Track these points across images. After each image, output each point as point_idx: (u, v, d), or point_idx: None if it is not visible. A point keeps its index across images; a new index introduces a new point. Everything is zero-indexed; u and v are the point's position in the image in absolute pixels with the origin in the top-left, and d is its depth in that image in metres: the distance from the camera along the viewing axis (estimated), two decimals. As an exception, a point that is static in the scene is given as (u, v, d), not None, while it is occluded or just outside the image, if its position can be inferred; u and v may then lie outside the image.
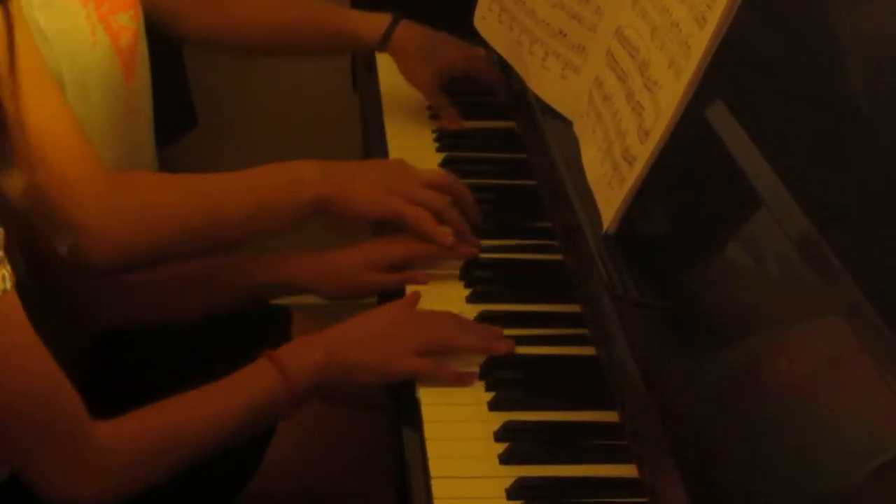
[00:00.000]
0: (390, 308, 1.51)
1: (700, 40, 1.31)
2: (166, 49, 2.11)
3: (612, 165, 1.45)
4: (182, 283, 1.63)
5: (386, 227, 1.64)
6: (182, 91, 2.56)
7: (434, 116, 1.96)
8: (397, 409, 1.42)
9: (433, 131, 1.92)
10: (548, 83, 1.71)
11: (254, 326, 1.68)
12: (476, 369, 1.43)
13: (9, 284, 1.24)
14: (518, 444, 1.32)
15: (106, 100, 1.67)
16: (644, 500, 1.24)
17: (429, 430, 1.34)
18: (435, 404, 1.39)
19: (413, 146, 1.88)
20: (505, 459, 1.30)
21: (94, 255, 1.51)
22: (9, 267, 1.24)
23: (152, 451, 1.36)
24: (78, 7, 1.64)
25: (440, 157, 1.85)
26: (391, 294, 1.58)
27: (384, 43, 1.91)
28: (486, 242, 1.65)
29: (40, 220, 1.38)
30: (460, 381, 1.41)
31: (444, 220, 1.61)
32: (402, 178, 1.64)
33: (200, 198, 1.59)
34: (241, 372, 1.41)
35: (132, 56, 1.73)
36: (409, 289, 1.57)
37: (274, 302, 1.78)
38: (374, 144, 1.91)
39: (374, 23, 1.92)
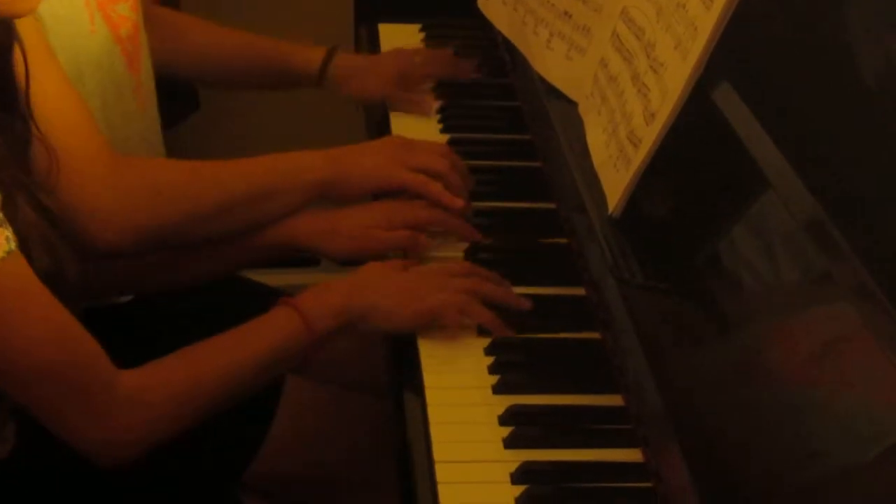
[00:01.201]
0: (414, 265, 1.53)
1: (707, 21, 1.31)
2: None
3: (617, 147, 1.44)
4: (187, 249, 1.63)
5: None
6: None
7: (439, 97, 1.95)
8: (400, 392, 1.42)
9: (437, 111, 1.92)
10: (552, 64, 1.70)
11: (255, 311, 1.68)
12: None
13: (13, 245, 1.25)
14: (522, 427, 1.32)
15: (103, 87, 1.66)
16: (648, 483, 1.24)
17: (432, 414, 1.34)
18: (439, 388, 1.38)
19: (418, 125, 1.88)
20: (509, 443, 1.30)
21: (101, 237, 1.51)
22: (10, 228, 1.24)
23: (178, 398, 1.38)
24: None
25: (445, 137, 1.84)
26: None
27: (322, 75, 1.93)
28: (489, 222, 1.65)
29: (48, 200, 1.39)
30: (498, 326, 1.44)
31: (447, 185, 1.62)
32: (402, 150, 1.64)
33: (209, 181, 1.60)
34: (260, 318, 1.44)
35: (134, 47, 1.72)
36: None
37: (275, 285, 1.78)
38: (378, 123, 1.91)
39: (311, 56, 1.94)
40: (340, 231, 1.59)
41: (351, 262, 1.59)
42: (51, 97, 1.44)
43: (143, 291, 1.70)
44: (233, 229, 1.60)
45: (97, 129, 1.53)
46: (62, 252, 1.34)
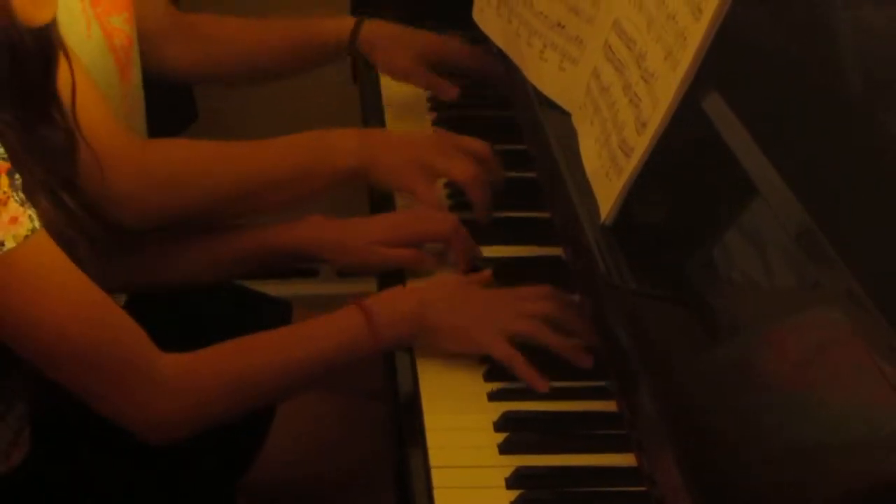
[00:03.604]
0: (490, 288, 1.49)
1: (696, 32, 1.32)
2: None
3: (609, 156, 1.45)
4: (187, 246, 1.63)
5: None
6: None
7: (434, 108, 1.96)
8: (396, 397, 1.43)
9: (433, 122, 1.93)
10: (546, 75, 1.71)
11: (254, 321, 1.69)
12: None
13: (37, 224, 1.25)
14: (517, 433, 1.33)
15: None
16: (643, 488, 1.25)
17: (428, 420, 1.35)
18: (434, 394, 1.39)
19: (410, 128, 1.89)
20: (504, 449, 1.31)
21: (123, 216, 1.52)
22: (33, 209, 1.25)
23: (226, 387, 1.37)
24: (75, 1, 1.65)
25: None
26: (390, 277, 1.57)
27: (353, 42, 1.90)
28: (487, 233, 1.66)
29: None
30: (536, 382, 1.38)
31: (470, 197, 1.63)
32: (434, 152, 1.63)
33: (230, 163, 1.60)
34: (327, 317, 1.42)
35: (127, 58, 1.73)
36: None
37: (274, 294, 1.78)
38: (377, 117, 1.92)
39: (340, 25, 1.92)
40: (345, 243, 1.59)
41: (351, 273, 1.59)
42: (65, 82, 1.44)
43: (136, 290, 1.68)
44: (260, 210, 1.60)
45: (116, 118, 1.53)
46: (81, 249, 1.33)
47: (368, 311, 1.40)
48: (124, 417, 1.34)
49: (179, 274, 1.63)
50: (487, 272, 1.52)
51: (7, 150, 1.25)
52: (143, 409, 1.33)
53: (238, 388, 1.38)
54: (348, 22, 1.91)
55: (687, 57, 1.33)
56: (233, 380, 1.37)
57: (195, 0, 2.34)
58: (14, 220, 1.23)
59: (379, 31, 1.91)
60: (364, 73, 2.09)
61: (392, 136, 1.69)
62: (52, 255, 1.27)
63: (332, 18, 1.93)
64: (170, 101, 1.95)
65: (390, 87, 2.01)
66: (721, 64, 1.34)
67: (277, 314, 1.75)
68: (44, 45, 1.35)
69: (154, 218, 1.54)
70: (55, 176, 1.34)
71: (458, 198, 1.69)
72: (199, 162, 1.59)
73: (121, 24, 1.72)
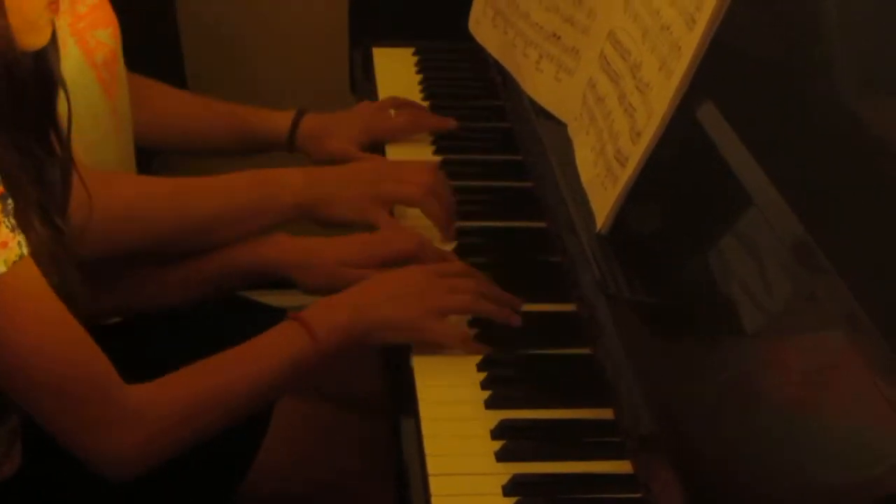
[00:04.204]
0: (415, 270, 1.52)
1: (690, 42, 1.33)
2: (166, 56, 2.12)
3: (605, 166, 1.46)
4: (158, 269, 1.63)
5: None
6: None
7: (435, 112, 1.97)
8: (394, 406, 1.43)
9: (430, 133, 1.94)
10: (542, 86, 1.72)
11: (252, 331, 1.69)
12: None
13: (25, 250, 1.26)
14: (514, 441, 1.33)
15: (77, 110, 1.65)
16: (638, 494, 1.26)
17: (426, 428, 1.36)
18: (433, 402, 1.40)
19: (410, 150, 1.90)
20: (501, 456, 1.32)
21: (79, 246, 1.51)
22: (22, 235, 1.26)
23: (185, 413, 1.38)
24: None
25: (437, 159, 1.86)
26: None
27: (291, 138, 1.89)
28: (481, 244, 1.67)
29: None
30: (476, 350, 1.45)
31: (426, 212, 1.64)
32: (381, 179, 1.65)
33: (179, 200, 1.61)
34: (267, 333, 1.44)
35: (111, 74, 1.72)
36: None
37: (269, 303, 1.78)
38: (371, 149, 1.92)
39: (281, 120, 1.90)
40: (313, 264, 1.59)
41: (319, 293, 1.60)
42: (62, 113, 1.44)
43: (122, 313, 1.69)
44: (209, 245, 1.61)
45: (84, 147, 1.54)
46: (71, 273, 1.34)
47: (306, 323, 1.43)
48: (86, 448, 1.34)
49: (151, 297, 1.64)
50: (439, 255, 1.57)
51: (2, 173, 1.26)
52: (106, 439, 1.34)
53: (195, 413, 1.38)
54: (286, 119, 1.90)
55: (681, 67, 1.34)
56: (189, 405, 1.38)
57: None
58: (4, 244, 1.24)
59: (314, 125, 1.90)
60: (361, 84, 2.10)
61: (335, 171, 1.69)
62: (35, 282, 1.28)
63: (274, 113, 1.92)
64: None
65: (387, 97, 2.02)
66: (715, 74, 1.34)
67: (274, 323, 1.75)
68: (42, 70, 1.36)
69: (105, 251, 1.55)
70: (50, 200, 1.35)
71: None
72: (150, 197, 1.60)
73: (106, 39, 1.72)
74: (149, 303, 1.65)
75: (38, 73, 1.36)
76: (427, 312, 1.46)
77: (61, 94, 1.40)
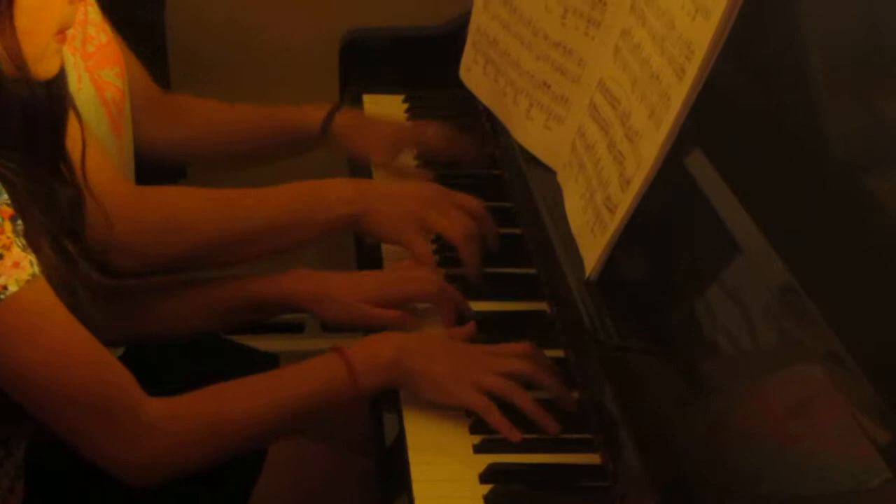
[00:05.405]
0: (474, 348, 1.49)
1: (679, 91, 1.34)
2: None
3: (594, 213, 1.47)
4: (179, 296, 1.64)
5: None
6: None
7: (422, 165, 1.98)
8: (383, 449, 1.44)
9: (416, 159, 1.95)
10: (532, 133, 1.73)
11: (242, 375, 1.70)
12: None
13: (37, 269, 1.28)
14: (503, 485, 1.34)
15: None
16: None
17: (415, 472, 1.36)
18: (421, 446, 1.40)
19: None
20: (490, 500, 1.32)
21: (122, 263, 1.54)
22: (34, 254, 1.28)
23: (212, 430, 1.38)
24: (68, 54, 1.67)
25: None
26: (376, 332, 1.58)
27: (325, 126, 1.92)
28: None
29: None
30: (510, 433, 1.40)
31: (461, 255, 1.64)
32: (428, 206, 1.65)
33: (227, 208, 1.62)
34: (307, 362, 1.43)
35: (119, 112, 1.74)
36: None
37: (262, 349, 1.79)
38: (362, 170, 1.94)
39: (315, 111, 1.93)
40: (333, 298, 1.59)
41: (336, 328, 1.60)
42: (73, 138, 1.46)
43: (133, 340, 1.69)
44: (254, 257, 1.62)
45: (114, 166, 1.55)
46: (81, 296, 1.36)
47: (349, 359, 1.42)
48: (107, 458, 1.36)
49: (171, 323, 1.64)
50: (470, 326, 1.54)
51: (12, 196, 1.28)
52: (127, 449, 1.35)
53: (218, 432, 1.39)
54: (323, 108, 1.93)
55: (670, 116, 1.35)
56: (213, 423, 1.39)
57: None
58: (16, 264, 1.27)
59: (351, 116, 1.93)
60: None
61: (387, 187, 1.71)
62: (49, 299, 1.30)
63: (308, 108, 1.94)
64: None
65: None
66: (704, 123, 1.36)
67: (265, 368, 1.75)
68: (53, 98, 1.38)
69: (151, 264, 1.56)
70: (60, 225, 1.37)
71: (445, 252, 1.71)
72: (193, 208, 1.61)
73: (112, 78, 1.74)
74: (163, 330, 1.65)
75: (49, 102, 1.38)
76: (466, 379, 1.42)
77: (75, 121, 1.42)
